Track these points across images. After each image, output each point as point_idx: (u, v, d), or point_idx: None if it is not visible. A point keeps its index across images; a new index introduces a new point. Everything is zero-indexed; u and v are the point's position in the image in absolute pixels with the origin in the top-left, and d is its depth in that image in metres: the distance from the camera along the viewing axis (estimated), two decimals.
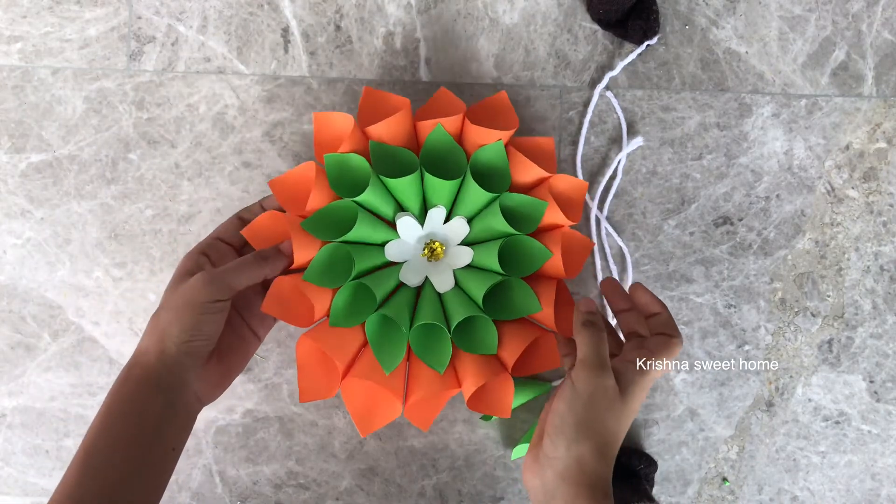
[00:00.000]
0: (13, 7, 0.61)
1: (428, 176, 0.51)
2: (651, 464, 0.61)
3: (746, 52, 0.61)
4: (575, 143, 0.61)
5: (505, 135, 0.52)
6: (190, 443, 0.62)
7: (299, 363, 0.51)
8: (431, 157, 0.53)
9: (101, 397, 0.62)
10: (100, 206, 0.61)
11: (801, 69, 0.61)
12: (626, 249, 0.60)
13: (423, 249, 0.54)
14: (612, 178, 0.61)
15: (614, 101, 0.61)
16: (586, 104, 0.61)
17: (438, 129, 0.52)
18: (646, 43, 0.59)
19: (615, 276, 0.61)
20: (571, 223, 0.52)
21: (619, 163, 0.60)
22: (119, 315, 0.62)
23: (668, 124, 0.61)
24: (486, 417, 0.62)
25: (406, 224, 0.53)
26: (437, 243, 0.54)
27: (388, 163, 0.52)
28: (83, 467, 0.43)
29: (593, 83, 0.61)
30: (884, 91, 0.61)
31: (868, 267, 0.61)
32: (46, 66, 0.61)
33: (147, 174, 0.61)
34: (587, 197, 0.61)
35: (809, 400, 0.62)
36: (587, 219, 0.61)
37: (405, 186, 0.51)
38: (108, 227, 0.61)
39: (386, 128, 0.51)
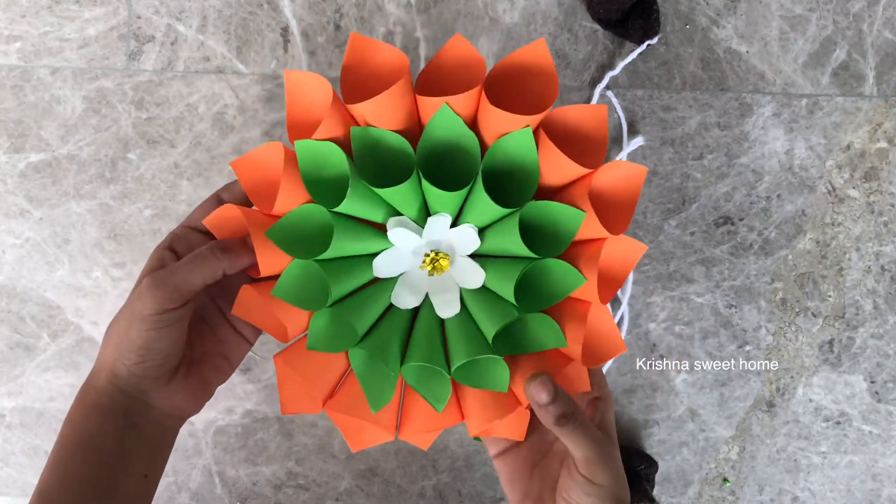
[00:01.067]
0: (12, 6, 0.61)
1: (427, 183, 0.39)
2: (651, 464, 0.61)
3: (747, 52, 0.61)
4: None
5: (534, 120, 0.38)
6: (189, 443, 0.62)
7: (279, 377, 0.42)
8: (435, 150, 0.41)
9: None
10: (99, 206, 0.61)
11: (801, 69, 0.61)
12: None
13: (424, 260, 0.43)
14: None
15: (615, 101, 0.60)
16: (587, 103, 0.61)
17: (444, 111, 0.39)
18: (646, 42, 0.59)
19: None
20: (617, 234, 0.39)
21: None
22: None
23: (668, 124, 0.61)
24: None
25: (399, 235, 0.42)
26: (441, 254, 0.43)
27: (376, 156, 0.40)
28: None
29: (594, 83, 0.61)
30: (885, 91, 0.61)
31: (869, 267, 0.61)
32: (45, 65, 0.61)
33: (146, 174, 0.61)
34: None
35: (810, 400, 0.62)
36: None
37: (398, 193, 0.40)
38: (107, 227, 0.61)
39: (375, 108, 0.38)
